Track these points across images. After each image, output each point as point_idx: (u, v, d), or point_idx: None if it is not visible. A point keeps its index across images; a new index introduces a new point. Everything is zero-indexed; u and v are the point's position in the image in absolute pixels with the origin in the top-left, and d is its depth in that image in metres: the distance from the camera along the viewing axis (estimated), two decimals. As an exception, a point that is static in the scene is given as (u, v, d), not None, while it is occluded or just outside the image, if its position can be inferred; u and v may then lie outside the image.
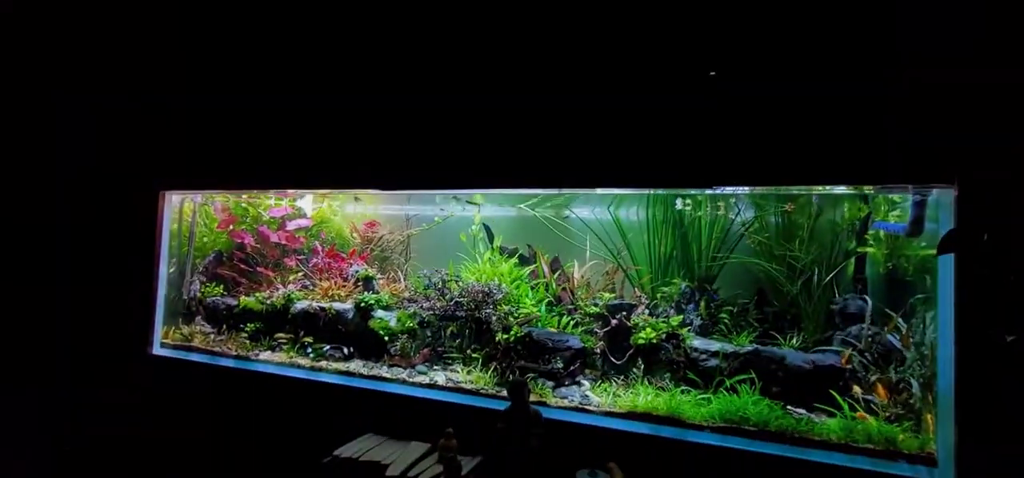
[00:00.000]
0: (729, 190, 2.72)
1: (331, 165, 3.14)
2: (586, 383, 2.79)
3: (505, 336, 2.92)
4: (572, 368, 2.81)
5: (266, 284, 3.85)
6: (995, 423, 1.90)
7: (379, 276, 3.78)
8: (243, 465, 2.96)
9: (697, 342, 2.71)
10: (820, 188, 2.50)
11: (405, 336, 3.19)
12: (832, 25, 2.19)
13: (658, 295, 3.11)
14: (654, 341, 2.73)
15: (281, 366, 3.25)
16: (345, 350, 3.27)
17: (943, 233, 2.00)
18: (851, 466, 2.08)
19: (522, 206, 3.70)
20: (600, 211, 3.47)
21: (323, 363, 3.20)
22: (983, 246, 1.86)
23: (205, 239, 4.11)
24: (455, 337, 3.14)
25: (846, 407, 2.30)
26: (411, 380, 2.94)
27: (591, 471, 2.24)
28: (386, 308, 3.38)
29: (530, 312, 3.08)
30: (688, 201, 3.11)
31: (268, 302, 3.56)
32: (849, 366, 2.42)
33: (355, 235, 4.08)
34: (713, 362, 2.61)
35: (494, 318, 3.00)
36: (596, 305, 3.03)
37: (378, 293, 3.51)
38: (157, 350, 3.65)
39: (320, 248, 3.91)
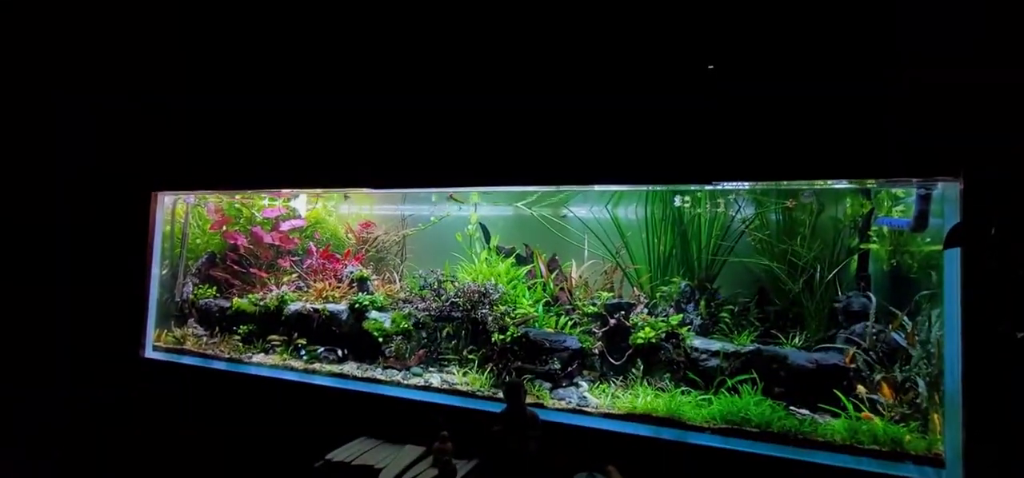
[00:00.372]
0: (732, 185, 2.67)
1: (327, 164, 3.11)
2: (584, 384, 2.74)
3: (501, 337, 2.87)
4: (570, 369, 2.76)
5: (259, 285, 3.79)
6: (1005, 423, 1.84)
7: (374, 277, 3.72)
8: (235, 470, 2.91)
9: (697, 342, 2.65)
10: (823, 183, 2.45)
11: (400, 338, 3.14)
12: (834, 22, 2.15)
13: (657, 294, 3.05)
14: (653, 341, 2.68)
15: (274, 369, 3.19)
16: (339, 352, 3.22)
17: (948, 228, 1.94)
18: (856, 468, 2.02)
19: (519, 205, 3.64)
20: (598, 210, 3.42)
21: (317, 365, 3.15)
22: (991, 240, 1.80)
23: (198, 240, 4.06)
24: (451, 338, 3.09)
25: (850, 407, 2.24)
26: (406, 382, 2.88)
27: (589, 474, 2.18)
28: (381, 309, 3.33)
29: (527, 312, 3.02)
30: (687, 198, 3.06)
31: (261, 304, 3.51)
32: (853, 365, 2.36)
33: (350, 236, 4.03)
34: (714, 362, 2.55)
35: (490, 319, 2.95)
36: (594, 305, 2.98)
37: (373, 294, 3.45)
38: (149, 353, 3.60)
39: (314, 249, 3.85)
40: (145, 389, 3.44)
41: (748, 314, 2.81)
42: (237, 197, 4.05)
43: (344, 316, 3.30)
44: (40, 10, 4.02)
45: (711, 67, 2.30)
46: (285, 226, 3.93)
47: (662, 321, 2.74)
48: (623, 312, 2.85)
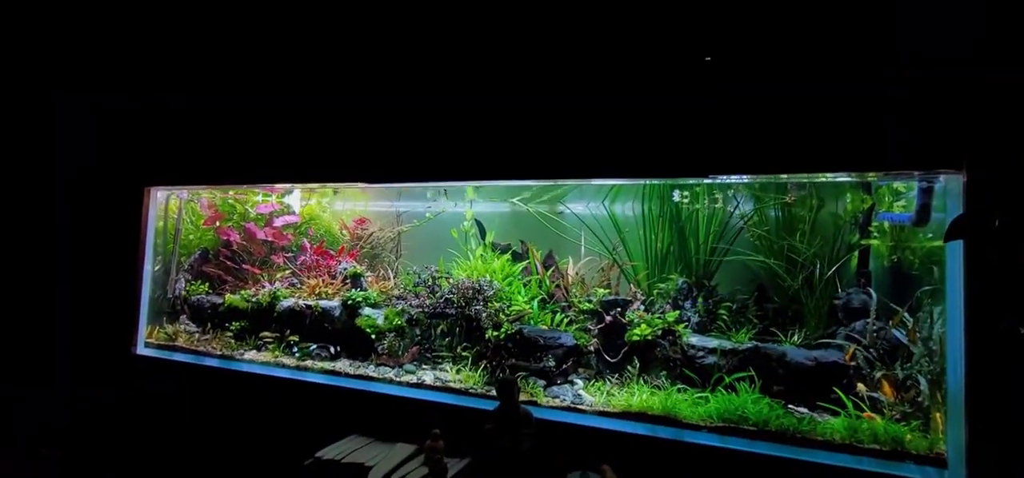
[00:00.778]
0: (734, 179, 2.62)
1: (322, 158, 3.06)
2: (579, 382, 2.69)
3: (496, 334, 2.82)
4: (564, 366, 2.71)
5: (252, 282, 3.75)
6: (1008, 422, 1.80)
7: (368, 273, 3.68)
8: (224, 467, 2.87)
9: (694, 339, 2.61)
10: (825, 176, 2.40)
11: (393, 334, 3.09)
12: (835, 22, 2.11)
13: (655, 292, 3.01)
14: (649, 338, 2.63)
15: (266, 366, 3.15)
16: (332, 349, 3.17)
17: (950, 222, 1.89)
18: (856, 467, 1.98)
19: (515, 200, 3.60)
20: (595, 206, 3.37)
21: (309, 362, 3.10)
22: (994, 232, 1.76)
23: (191, 236, 4.02)
24: (445, 335, 3.05)
25: (850, 405, 2.19)
26: (398, 380, 2.84)
27: (583, 473, 2.15)
28: (374, 306, 3.28)
29: (522, 309, 2.98)
30: (685, 193, 3.01)
31: (254, 300, 3.47)
32: (853, 363, 2.32)
33: (345, 232, 3.99)
34: (711, 359, 2.50)
35: (484, 315, 2.90)
36: (590, 301, 2.93)
37: (366, 290, 3.41)
38: (141, 350, 3.56)
39: (308, 245, 3.81)
40: (135, 386, 3.40)
41: (746, 311, 2.77)
42: (230, 193, 4.01)
43: (337, 312, 3.25)
44: (40, 10, 4.00)
45: (708, 59, 2.25)
46: (279, 222, 3.89)
47: (658, 318, 2.70)
48: (619, 309, 2.81)
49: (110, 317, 3.56)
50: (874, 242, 2.64)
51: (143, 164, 3.58)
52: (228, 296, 3.59)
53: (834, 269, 2.63)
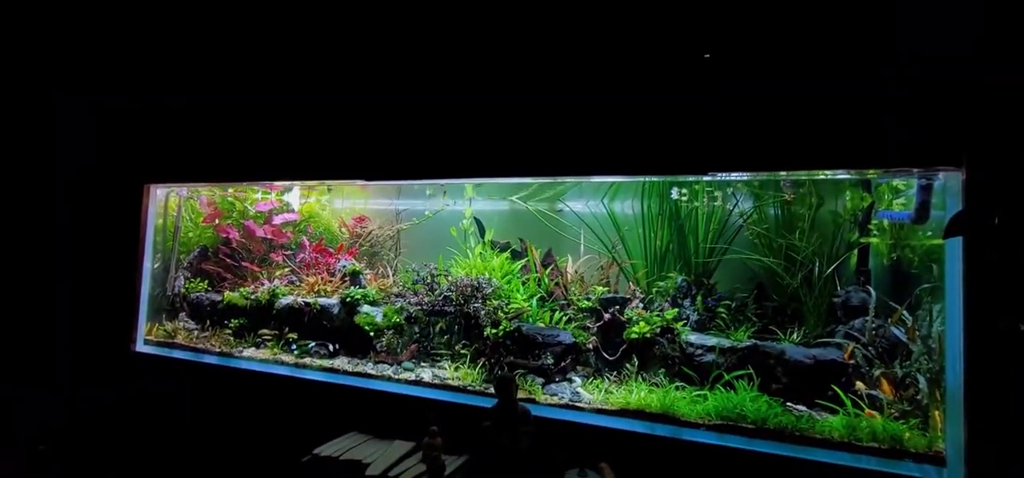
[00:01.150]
0: (734, 177, 2.61)
1: (322, 156, 3.06)
2: (577, 379, 2.68)
3: (494, 331, 2.82)
4: (563, 364, 2.71)
5: (251, 279, 3.75)
6: (1008, 420, 1.79)
7: (367, 271, 3.68)
8: (223, 464, 2.87)
9: (693, 337, 2.60)
10: (825, 173, 2.39)
11: (392, 332, 3.09)
12: (836, 20, 2.10)
13: (654, 290, 3.00)
14: (648, 336, 2.63)
15: (265, 363, 3.15)
16: (330, 347, 3.17)
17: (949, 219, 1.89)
18: (855, 465, 1.97)
19: (514, 198, 3.60)
20: (594, 204, 3.37)
21: (307, 360, 3.10)
22: (993, 230, 1.75)
23: (190, 234, 4.02)
24: (443, 333, 3.04)
25: (849, 404, 2.18)
26: (397, 377, 2.83)
27: (581, 471, 2.14)
28: (373, 303, 3.28)
29: (520, 307, 2.97)
30: (684, 191, 3.00)
31: (252, 298, 3.47)
32: (852, 361, 2.31)
33: (344, 230, 3.99)
34: (709, 357, 2.50)
35: (483, 313, 2.90)
36: (589, 299, 2.93)
37: (365, 288, 3.41)
38: (140, 347, 3.56)
39: (307, 243, 3.81)
40: (135, 383, 3.40)
41: (746, 309, 2.76)
42: (230, 190, 4.01)
43: (335, 310, 3.25)
44: (40, 10, 4.00)
45: (707, 56, 2.24)
46: (278, 220, 3.89)
47: (657, 316, 2.69)
48: (618, 307, 2.80)
49: (110, 314, 3.56)
50: (873, 240, 2.63)
51: (143, 161, 3.58)
52: (227, 293, 3.59)
53: (833, 267, 2.62)
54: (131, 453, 3.04)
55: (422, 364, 2.96)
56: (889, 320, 2.34)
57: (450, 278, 3.12)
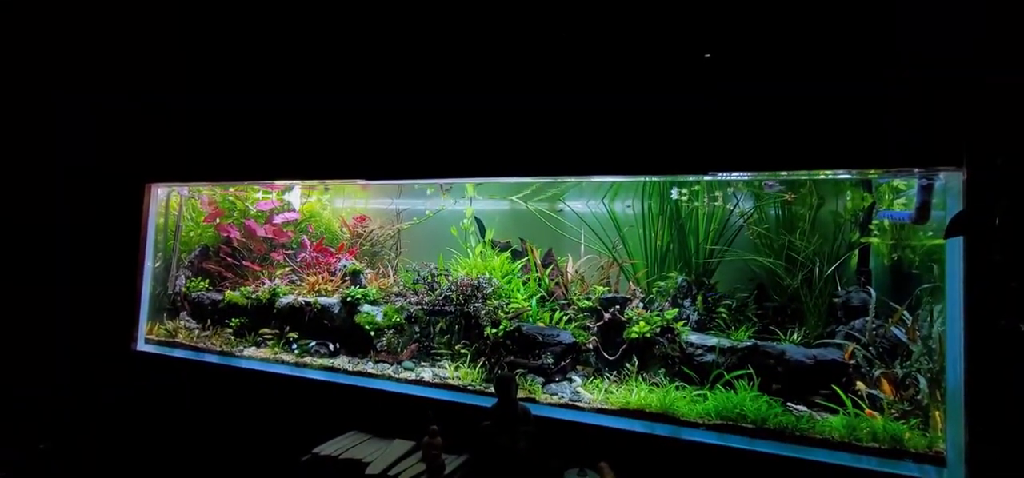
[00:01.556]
0: (735, 176, 2.61)
1: (322, 155, 3.06)
2: (577, 379, 2.68)
3: (494, 331, 2.82)
4: (563, 364, 2.71)
5: (252, 279, 3.75)
6: (1008, 420, 1.78)
7: (367, 271, 3.68)
8: (223, 463, 2.87)
9: (693, 337, 2.60)
10: (825, 173, 2.39)
11: (392, 331, 3.09)
12: (836, 20, 2.10)
13: (654, 290, 3.00)
14: (648, 335, 2.63)
15: (265, 362, 3.15)
16: (331, 346, 3.18)
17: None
18: (855, 465, 1.97)
19: (515, 198, 3.60)
20: (595, 204, 3.37)
21: (308, 359, 3.11)
22: (994, 230, 1.75)
23: (191, 233, 4.03)
24: (444, 332, 3.04)
25: (849, 404, 2.18)
26: (397, 376, 2.84)
27: (581, 470, 2.14)
28: (373, 303, 3.28)
29: (521, 306, 2.97)
30: (684, 191, 3.00)
31: (253, 297, 3.47)
32: (852, 361, 2.31)
33: (344, 230, 3.99)
34: (710, 357, 2.50)
35: (483, 312, 2.90)
36: (589, 299, 2.93)
37: (365, 287, 3.41)
38: (141, 346, 3.56)
39: (308, 242, 3.82)
40: (135, 382, 3.41)
41: (746, 309, 2.76)
42: (231, 189, 4.01)
43: (336, 309, 3.25)
44: (40, 10, 4.01)
45: (708, 55, 2.24)
46: (279, 219, 3.89)
47: (657, 315, 2.69)
48: (618, 306, 2.80)
49: (110, 313, 3.56)
50: (874, 240, 2.63)
51: (143, 161, 3.58)
52: (228, 293, 3.59)
53: (834, 267, 2.62)
54: (131, 452, 3.05)
55: (422, 363, 2.97)
56: (890, 320, 2.34)
57: (450, 278, 3.12)
